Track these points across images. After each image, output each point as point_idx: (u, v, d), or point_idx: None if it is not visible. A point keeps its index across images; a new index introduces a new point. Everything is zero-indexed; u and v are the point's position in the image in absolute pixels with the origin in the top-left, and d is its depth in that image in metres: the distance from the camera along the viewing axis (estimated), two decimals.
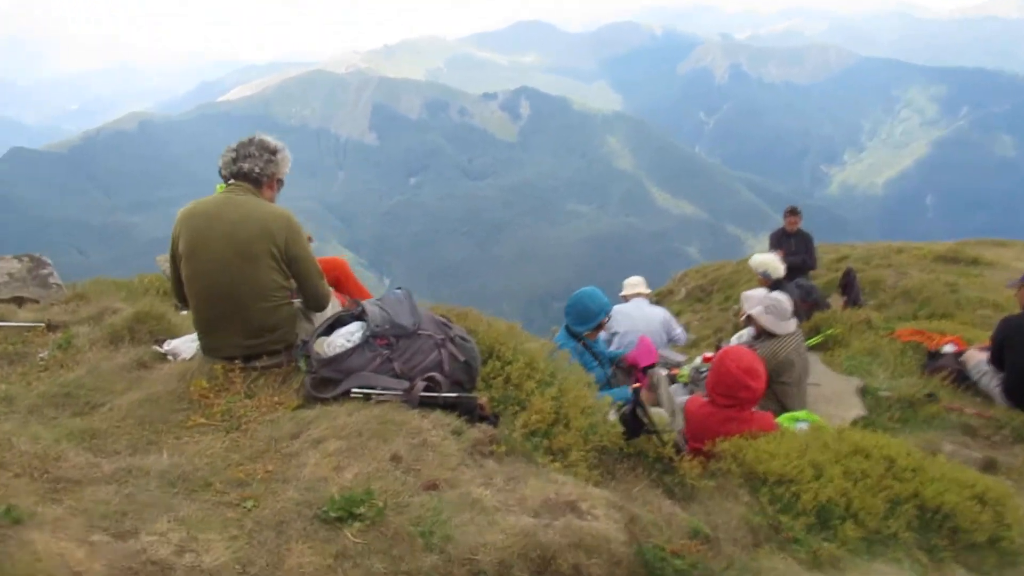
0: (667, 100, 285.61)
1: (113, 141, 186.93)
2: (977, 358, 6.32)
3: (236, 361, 3.60)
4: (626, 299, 7.93)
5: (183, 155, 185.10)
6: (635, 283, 8.03)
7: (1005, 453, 5.42)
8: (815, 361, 7.03)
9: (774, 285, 8.16)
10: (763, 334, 5.86)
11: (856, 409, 6.01)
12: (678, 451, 3.76)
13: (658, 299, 20.20)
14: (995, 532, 3.94)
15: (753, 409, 4.66)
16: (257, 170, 3.70)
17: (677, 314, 16.35)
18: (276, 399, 3.39)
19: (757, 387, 4.17)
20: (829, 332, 7.79)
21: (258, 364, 3.61)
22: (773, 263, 8.16)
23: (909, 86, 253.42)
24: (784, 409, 5.70)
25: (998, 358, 6.02)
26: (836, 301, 10.28)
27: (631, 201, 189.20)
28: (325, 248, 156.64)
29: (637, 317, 7.58)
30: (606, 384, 5.15)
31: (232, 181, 3.71)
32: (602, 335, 7.97)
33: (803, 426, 4.87)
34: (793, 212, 10.12)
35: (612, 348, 7.77)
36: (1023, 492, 5.00)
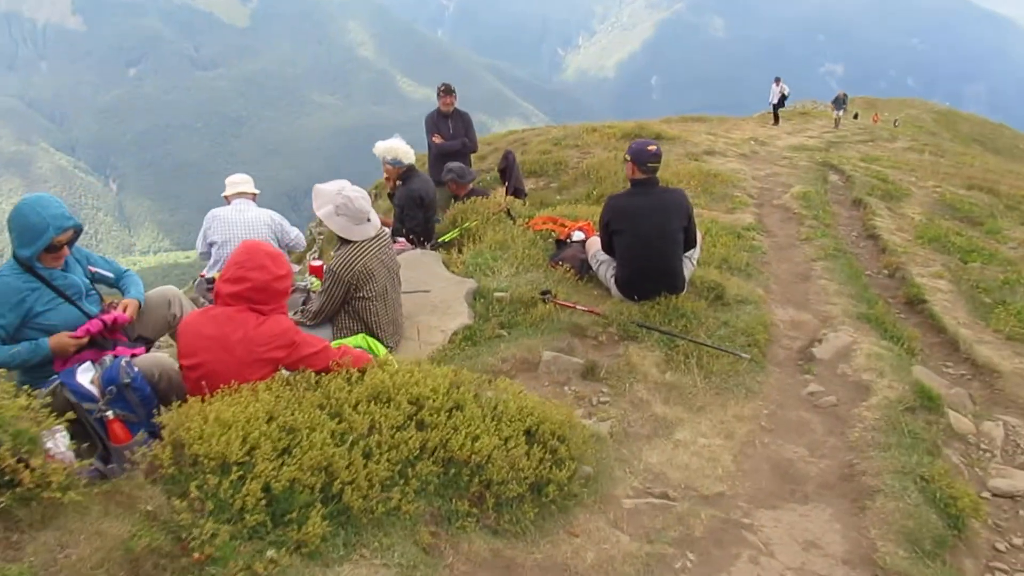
0: None
1: None
2: (597, 246, 5.65)
3: None
4: (228, 200, 6.47)
5: None
6: (238, 181, 6.54)
7: (609, 354, 4.81)
8: (434, 261, 6.09)
9: (406, 173, 7.04)
10: (339, 239, 4.72)
11: (461, 317, 5.13)
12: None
13: (376, 192, 18.65)
14: (542, 476, 3.16)
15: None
16: None
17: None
18: None
19: (276, 271, 3.18)
20: (465, 226, 6.89)
21: None
22: (403, 147, 6.95)
23: None
24: (367, 329, 4.68)
25: (608, 244, 5.36)
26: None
27: (377, 90, 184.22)
28: (36, 152, 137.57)
29: (237, 222, 6.20)
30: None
31: None
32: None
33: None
34: (448, 91, 8.99)
35: (212, 261, 6.34)
36: (618, 399, 4.40)
